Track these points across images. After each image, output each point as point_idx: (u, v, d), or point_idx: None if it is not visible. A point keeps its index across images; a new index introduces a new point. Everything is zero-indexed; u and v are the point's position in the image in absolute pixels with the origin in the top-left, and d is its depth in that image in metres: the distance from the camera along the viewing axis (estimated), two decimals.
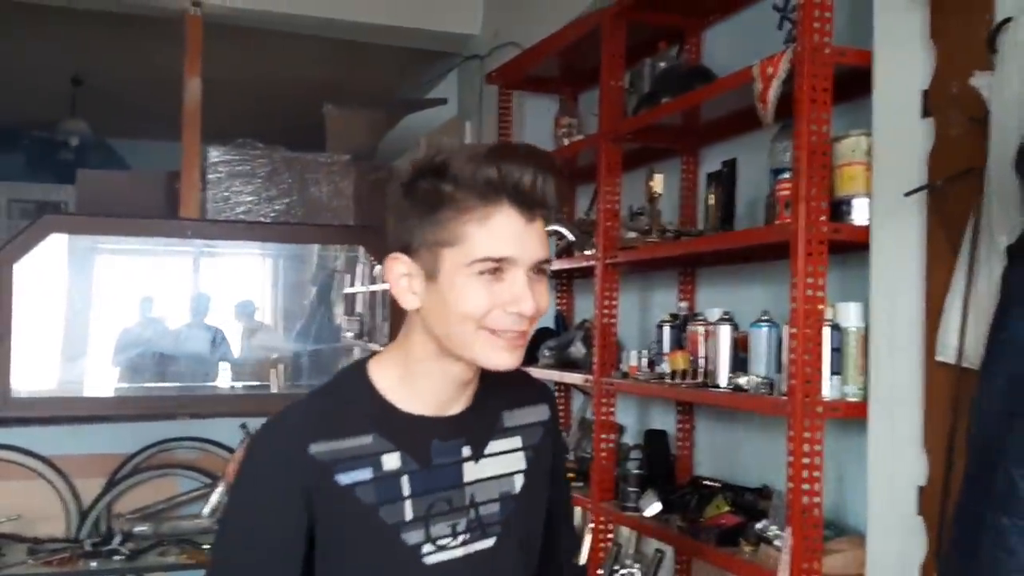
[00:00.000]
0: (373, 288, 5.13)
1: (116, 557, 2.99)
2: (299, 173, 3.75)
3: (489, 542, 1.20)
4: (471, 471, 1.20)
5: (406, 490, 1.15)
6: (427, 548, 1.16)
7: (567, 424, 3.35)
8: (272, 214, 3.73)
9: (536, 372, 3.04)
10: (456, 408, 1.21)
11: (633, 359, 2.54)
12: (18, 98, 5.23)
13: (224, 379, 4.16)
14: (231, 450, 3.47)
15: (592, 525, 2.63)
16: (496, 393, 1.26)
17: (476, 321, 1.12)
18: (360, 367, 1.22)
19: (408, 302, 1.16)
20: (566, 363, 2.90)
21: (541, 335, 3.17)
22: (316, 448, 1.13)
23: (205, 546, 3.09)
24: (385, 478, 1.15)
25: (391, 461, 1.15)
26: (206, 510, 3.32)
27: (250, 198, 3.71)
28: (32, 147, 5.43)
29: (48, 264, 3.64)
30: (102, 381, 4.35)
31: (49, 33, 4.49)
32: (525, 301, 1.12)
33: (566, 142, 3.14)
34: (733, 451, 2.52)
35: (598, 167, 2.68)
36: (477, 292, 1.11)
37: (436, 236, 1.11)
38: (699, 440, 2.67)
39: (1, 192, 6.32)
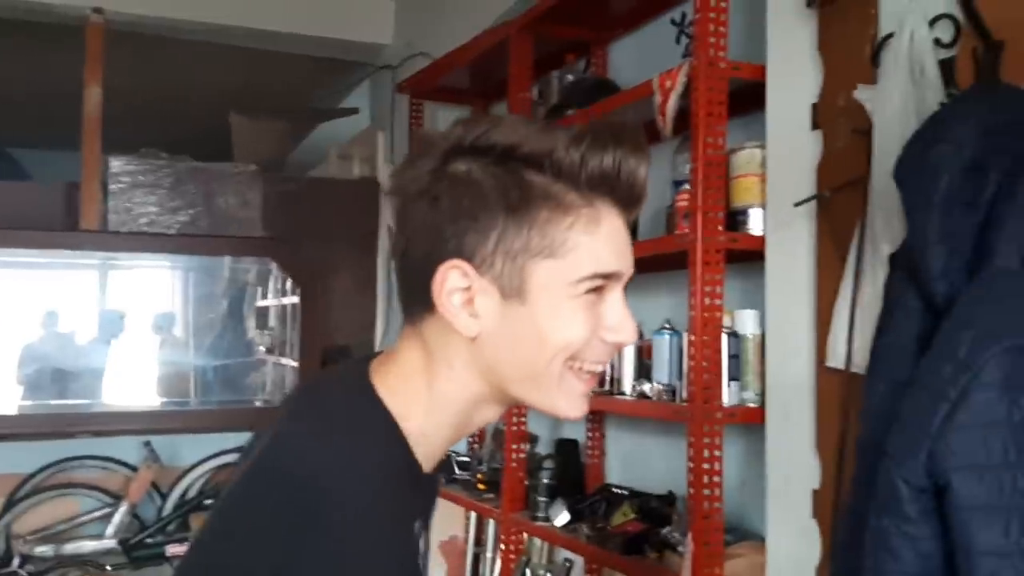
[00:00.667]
0: (285, 301, 5.05)
1: None
2: (205, 183, 3.66)
3: None
4: (422, 541, 0.98)
5: (420, 561, 0.94)
6: None
7: (481, 436, 3.35)
8: (176, 225, 3.63)
9: None
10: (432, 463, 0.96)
11: None
12: None
13: (129, 396, 4.05)
14: (134, 468, 3.37)
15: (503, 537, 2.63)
16: None
17: (563, 355, 0.87)
18: (381, 408, 0.89)
19: (467, 327, 0.87)
20: None
21: None
22: (417, 524, 0.92)
23: (108, 567, 3.00)
24: (418, 547, 0.93)
25: (417, 527, 0.92)
26: (109, 530, 3.23)
27: (154, 209, 3.61)
28: None
29: None
30: (4, 398, 4.19)
31: None
32: (629, 327, 0.89)
33: None
34: (641, 459, 2.54)
35: None
36: (582, 317, 0.86)
37: (526, 243, 0.85)
38: (609, 448, 2.69)
39: None
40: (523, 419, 2.60)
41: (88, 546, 3.17)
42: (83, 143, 3.58)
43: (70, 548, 3.15)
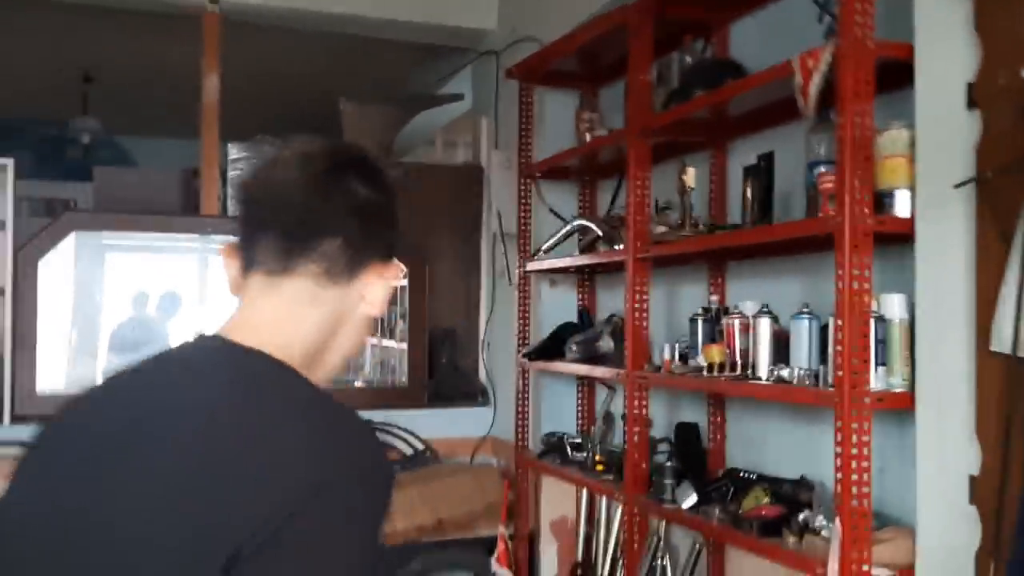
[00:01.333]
0: None
1: None
2: None
3: None
4: None
5: None
6: None
7: (591, 418, 3.37)
8: None
9: (563, 367, 3.06)
10: None
11: (666, 352, 2.55)
12: (28, 94, 5.21)
13: None
14: None
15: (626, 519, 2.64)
16: None
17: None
18: (288, 372, 1.06)
19: (341, 320, 1.12)
20: (594, 358, 2.92)
21: (565, 330, 3.19)
22: None
23: None
24: None
25: None
26: None
27: None
28: (41, 144, 5.41)
29: (60, 261, 3.63)
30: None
31: (61, 29, 4.48)
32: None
33: (588, 137, 3.15)
34: (765, 443, 2.53)
35: (627, 162, 2.69)
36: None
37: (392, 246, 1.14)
38: (731, 432, 2.68)
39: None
40: (645, 403, 2.61)
41: None
42: (202, 130, 3.69)
43: None
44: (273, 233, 1.06)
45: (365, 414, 3.36)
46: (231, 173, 3.65)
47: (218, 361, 1.03)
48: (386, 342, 4.84)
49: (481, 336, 4.09)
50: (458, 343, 4.08)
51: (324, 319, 1.08)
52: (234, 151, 3.68)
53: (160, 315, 4.63)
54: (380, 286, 1.10)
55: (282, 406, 1.00)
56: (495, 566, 3.22)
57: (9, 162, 3.26)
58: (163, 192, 4.18)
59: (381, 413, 3.69)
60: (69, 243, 3.51)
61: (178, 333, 4.43)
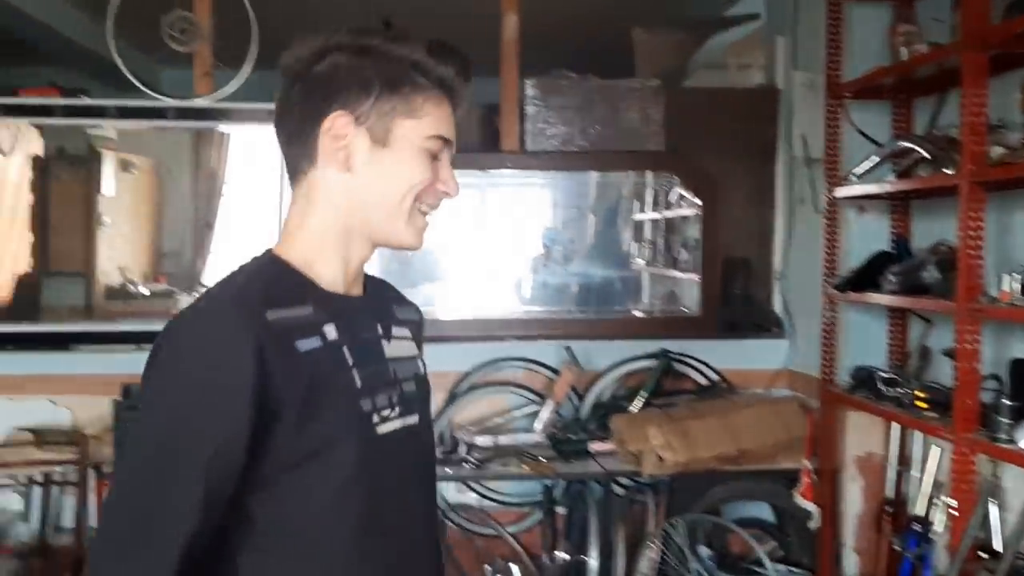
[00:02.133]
0: (668, 214, 5.12)
1: (466, 464, 3.24)
2: (610, 101, 3.77)
3: (414, 418, 1.24)
4: (387, 349, 1.24)
5: (350, 360, 1.15)
6: (375, 418, 1.16)
7: (905, 353, 3.21)
8: (584, 143, 3.79)
9: (879, 298, 2.92)
10: (357, 291, 1.24)
11: (1005, 284, 2.37)
12: None
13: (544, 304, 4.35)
14: (554, 370, 3.64)
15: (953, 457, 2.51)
16: (379, 289, 1.32)
17: (406, 200, 1.18)
18: (266, 254, 1.20)
19: (343, 162, 1.16)
20: (914, 289, 2.76)
21: (879, 260, 3.04)
22: (272, 315, 1.08)
23: (541, 458, 3.28)
24: (332, 347, 1.14)
25: (331, 332, 1.15)
26: (537, 425, 3.52)
27: (563, 128, 3.78)
28: None
29: None
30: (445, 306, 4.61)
31: None
32: (453, 183, 1.21)
33: (905, 52, 2.95)
34: None
35: (961, 77, 2.49)
36: (425, 166, 1.18)
37: (396, 104, 1.16)
38: None
39: None
40: (978, 337, 2.45)
41: (520, 438, 3.49)
42: (501, 68, 3.82)
43: (504, 440, 3.48)
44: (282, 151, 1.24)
45: (656, 343, 3.42)
46: (529, 109, 3.76)
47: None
48: (669, 271, 4.85)
49: (775, 266, 3.99)
50: (751, 273, 4.01)
51: (311, 194, 1.19)
52: (531, 88, 3.78)
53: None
54: (339, 133, 1.16)
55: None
56: (799, 500, 3.18)
57: None
58: (464, 130, 4.37)
59: (675, 343, 3.72)
60: None
61: None
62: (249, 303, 1.08)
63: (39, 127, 4.12)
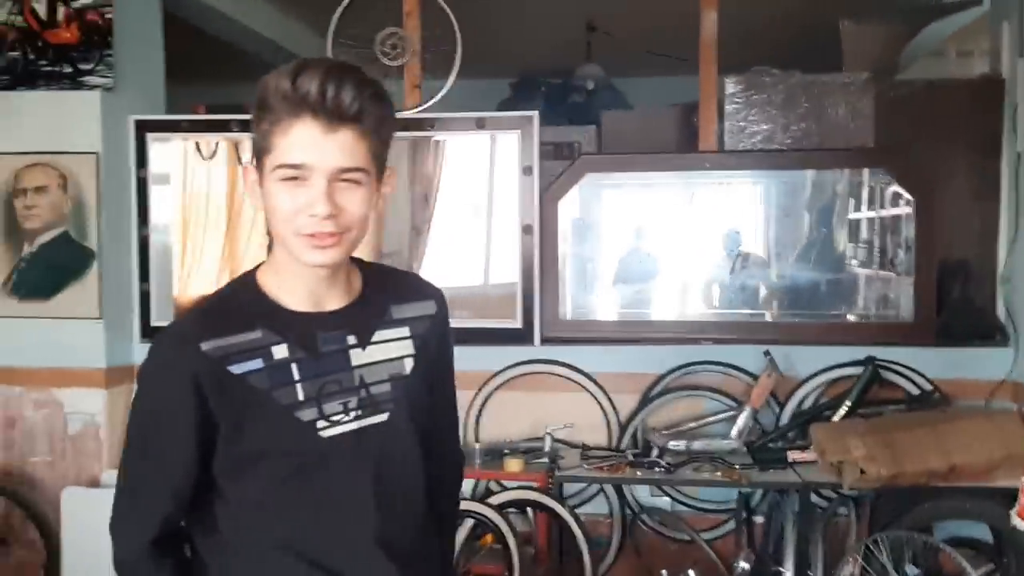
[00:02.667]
0: (884, 213, 4.87)
1: (657, 469, 3.24)
2: (816, 96, 3.64)
3: (382, 416, 1.37)
4: (358, 357, 1.37)
5: (296, 375, 1.32)
6: (321, 424, 1.32)
7: None
8: (788, 141, 3.68)
9: None
10: (335, 303, 1.37)
11: None
12: (536, 47, 5.74)
13: (745, 307, 4.26)
14: (752, 376, 3.56)
15: None
16: (384, 290, 1.43)
17: (290, 224, 1.26)
18: (250, 273, 1.38)
19: (254, 203, 1.32)
20: None
21: None
22: (207, 345, 1.28)
23: (738, 465, 3.22)
24: (276, 366, 1.31)
25: (280, 351, 1.31)
26: (733, 432, 3.46)
27: (766, 126, 3.69)
28: (549, 93, 5.96)
29: (571, 199, 3.97)
30: (608, 308, 4.66)
31: None
32: (319, 204, 1.24)
33: None
34: None
35: None
36: (282, 196, 1.25)
37: (260, 144, 1.27)
38: None
39: None
40: None
41: (715, 444, 3.44)
42: (700, 66, 3.77)
43: (698, 445, 3.44)
44: None
45: (864, 350, 3.25)
46: (728, 107, 3.70)
47: None
48: (883, 273, 4.60)
49: (999, 268, 3.70)
50: (972, 276, 3.74)
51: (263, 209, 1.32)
52: (731, 85, 3.72)
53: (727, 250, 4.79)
54: (248, 176, 1.32)
55: None
56: (1017, 521, 2.94)
57: (534, 114, 3.65)
58: (661, 130, 4.37)
59: (881, 350, 3.54)
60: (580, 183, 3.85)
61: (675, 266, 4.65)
62: (187, 338, 1.30)
63: None
